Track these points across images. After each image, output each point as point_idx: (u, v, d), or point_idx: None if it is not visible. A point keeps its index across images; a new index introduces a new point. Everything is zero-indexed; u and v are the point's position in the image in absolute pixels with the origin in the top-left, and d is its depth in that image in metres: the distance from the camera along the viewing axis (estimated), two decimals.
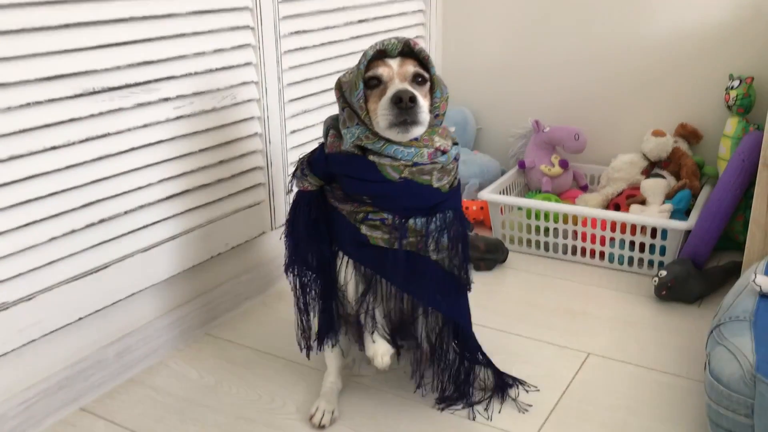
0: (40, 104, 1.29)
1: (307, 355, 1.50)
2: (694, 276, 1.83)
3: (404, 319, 1.42)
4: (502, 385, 1.48)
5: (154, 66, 1.48)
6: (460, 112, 2.55)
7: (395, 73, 1.27)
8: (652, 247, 1.98)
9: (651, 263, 1.99)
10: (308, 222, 1.37)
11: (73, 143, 1.36)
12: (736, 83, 2.05)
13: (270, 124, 1.79)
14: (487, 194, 2.16)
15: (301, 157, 1.41)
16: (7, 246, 1.28)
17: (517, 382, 1.51)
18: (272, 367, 1.61)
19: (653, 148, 2.19)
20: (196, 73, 1.57)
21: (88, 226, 1.41)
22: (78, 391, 1.47)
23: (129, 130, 1.46)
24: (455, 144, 1.35)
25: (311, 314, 1.46)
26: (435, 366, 1.42)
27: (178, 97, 1.54)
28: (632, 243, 2.00)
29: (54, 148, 1.33)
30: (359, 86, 1.26)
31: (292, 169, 1.67)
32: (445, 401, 1.45)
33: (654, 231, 1.96)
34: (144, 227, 1.53)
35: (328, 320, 1.43)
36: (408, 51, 1.30)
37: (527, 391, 1.50)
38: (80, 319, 1.43)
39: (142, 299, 1.58)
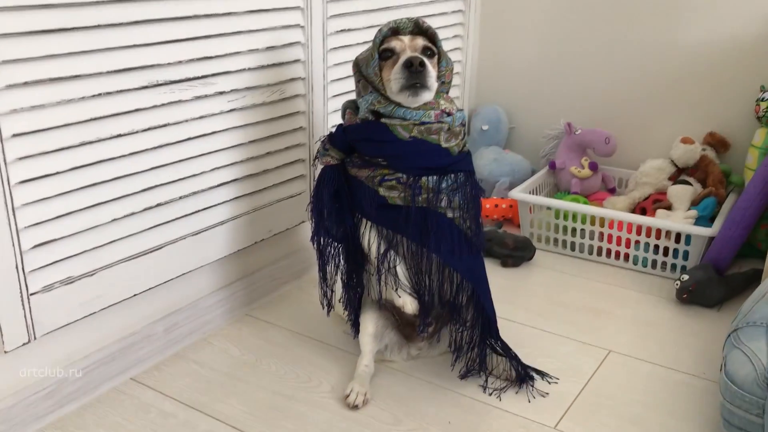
0: (110, 95, 1.39)
1: (327, 313, 1.66)
2: (715, 282, 1.89)
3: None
4: (524, 374, 1.57)
5: (212, 61, 1.58)
6: (494, 111, 2.62)
7: (407, 45, 1.44)
8: (676, 251, 2.04)
9: (674, 267, 2.06)
10: (331, 193, 1.51)
11: (137, 132, 1.46)
12: (766, 95, 2.10)
13: (314, 118, 1.88)
14: (517, 193, 2.24)
15: (321, 136, 1.57)
16: (75, 224, 1.39)
17: (539, 373, 1.60)
18: (308, 348, 1.71)
19: (681, 154, 2.25)
20: (249, 69, 1.67)
21: (146, 209, 1.52)
22: (129, 362, 1.58)
23: (186, 121, 1.55)
24: (460, 110, 1.49)
25: (333, 281, 1.61)
26: (452, 326, 1.54)
27: (232, 90, 1.64)
28: (656, 247, 2.07)
29: (120, 135, 1.43)
30: (375, 57, 1.43)
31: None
32: (464, 375, 1.57)
33: (678, 236, 2.03)
34: (196, 212, 1.63)
35: (354, 294, 1.60)
36: (418, 30, 1.47)
37: (549, 383, 1.59)
38: (135, 295, 1.54)
39: (189, 279, 1.68)
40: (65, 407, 1.46)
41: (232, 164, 1.69)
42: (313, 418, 1.47)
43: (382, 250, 1.48)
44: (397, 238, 1.47)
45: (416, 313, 1.51)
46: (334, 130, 1.56)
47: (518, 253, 2.13)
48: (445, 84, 1.48)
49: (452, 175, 1.45)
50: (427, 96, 1.43)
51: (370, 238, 1.50)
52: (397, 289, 1.48)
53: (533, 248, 2.16)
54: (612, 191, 2.46)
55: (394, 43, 1.44)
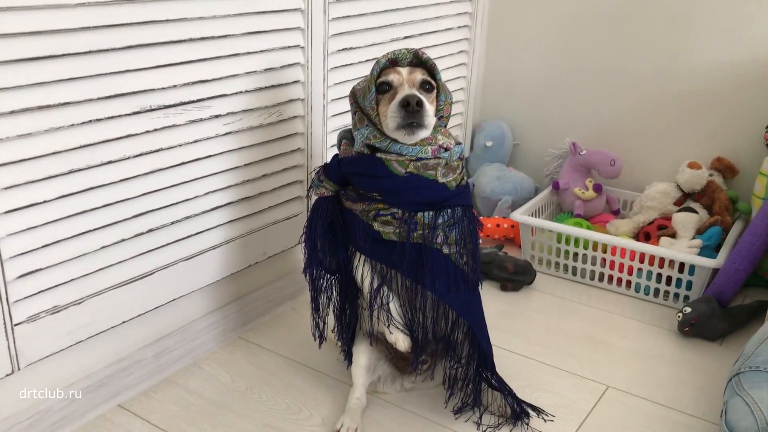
0: (101, 121, 1.36)
1: (319, 345, 1.63)
2: (718, 315, 1.85)
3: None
4: (520, 411, 1.54)
5: (208, 84, 1.54)
6: (498, 126, 2.58)
7: (405, 79, 1.40)
8: (679, 281, 2.00)
9: (677, 296, 2.02)
10: (325, 225, 1.48)
11: (128, 158, 1.43)
12: None
13: (312, 140, 1.84)
14: (519, 215, 2.20)
15: (316, 167, 1.54)
16: (63, 253, 1.36)
17: (535, 409, 1.56)
18: (301, 376, 1.68)
19: (688, 179, 2.21)
20: (246, 91, 1.63)
21: (137, 236, 1.49)
22: (117, 388, 1.55)
23: (180, 145, 1.52)
24: (458, 144, 1.45)
25: (326, 313, 1.58)
26: (446, 362, 1.52)
27: (228, 114, 1.60)
28: (659, 275, 2.03)
29: (110, 162, 1.40)
30: (372, 89, 1.39)
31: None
32: (457, 411, 1.53)
33: (682, 265, 1.99)
34: (189, 237, 1.60)
35: (347, 326, 1.57)
36: (417, 61, 1.43)
37: (544, 420, 1.55)
38: (124, 322, 1.51)
39: (181, 303, 1.65)
40: None
41: (226, 187, 1.65)
42: None
43: (375, 285, 1.44)
44: (391, 273, 1.44)
45: (408, 350, 1.47)
46: (329, 161, 1.52)
47: (518, 278, 2.10)
48: (443, 118, 1.45)
49: (449, 210, 1.41)
50: (424, 134, 1.38)
51: (364, 272, 1.47)
52: (389, 326, 1.45)
53: (534, 272, 2.12)
54: (616, 213, 2.42)
55: (392, 77, 1.40)
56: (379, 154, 1.40)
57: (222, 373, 1.68)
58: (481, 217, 2.41)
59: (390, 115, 1.36)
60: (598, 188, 2.35)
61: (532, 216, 2.26)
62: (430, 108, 1.37)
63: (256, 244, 1.78)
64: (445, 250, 1.41)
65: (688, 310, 1.85)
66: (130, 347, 1.58)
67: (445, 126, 1.46)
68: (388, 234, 1.40)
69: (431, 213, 1.39)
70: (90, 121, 1.34)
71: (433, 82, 1.42)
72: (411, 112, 1.33)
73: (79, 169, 1.35)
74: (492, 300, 2.02)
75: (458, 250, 1.42)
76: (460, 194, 1.44)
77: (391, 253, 1.41)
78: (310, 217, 1.52)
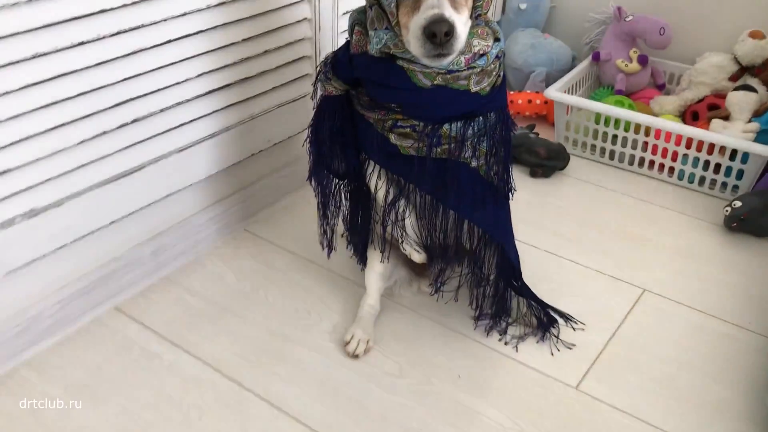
0: None
1: (328, 255, 1.47)
2: None
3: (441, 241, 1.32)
4: (547, 320, 1.41)
5: None
6: None
7: None
8: (729, 169, 1.80)
9: (724, 186, 1.83)
10: (332, 129, 1.27)
11: (104, 37, 1.22)
12: None
13: (321, 5, 1.61)
14: (553, 92, 1.98)
15: (325, 56, 1.27)
16: (34, 151, 1.20)
17: (563, 317, 1.44)
18: (310, 274, 1.55)
19: (748, 51, 1.95)
20: None
21: (120, 127, 1.31)
22: (113, 290, 1.44)
23: (165, 20, 1.31)
24: (497, 40, 1.16)
25: (335, 221, 1.41)
26: (472, 282, 1.36)
27: None
28: (707, 162, 1.83)
29: (83, 43, 1.20)
30: None
31: None
32: (481, 318, 1.41)
33: (734, 152, 1.78)
34: (181, 125, 1.42)
35: (359, 234, 1.41)
36: None
37: (573, 329, 1.43)
38: (113, 222, 1.37)
39: (177, 198, 1.50)
40: (42, 343, 1.34)
41: (222, 68, 1.45)
42: (310, 365, 1.34)
43: (390, 198, 1.26)
44: (410, 186, 1.24)
45: (424, 262, 1.34)
46: (339, 50, 1.26)
47: (550, 163, 1.91)
48: (481, 16, 1.14)
49: (480, 119, 1.18)
50: (454, 57, 1.09)
51: (378, 183, 1.28)
52: (403, 243, 1.30)
53: (567, 157, 1.93)
54: (661, 88, 2.18)
55: None
56: (400, 62, 1.13)
57: (226, 272, 1.56)
58: (512, 92, 2.18)
59: (413, 41, 1.05)
60: (643, 60, 2.10)
61: (568, 93, 2.03)
62: (462, 31, 1.06)
63: (259, 130, 1.60)
64: (473, 164, 1.21)
65: (738, 204, 1.67)
66: (124, 245, 1.45)
67: (483, 24, 1.15)
68: (407, 149, 1.20)
69: (459, 124, 1.17)
70: None
71: None
72: (438, 44, 1.03)
73: (46, 53, 1.15)
74: (519, 189, 1.81)
75: (488, 161, 1.21)
76: (495, 98, 1.20)
77: (409, 169, 1.21)
78: (315, 117, 1.31)
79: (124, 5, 1.23)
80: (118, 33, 1.24)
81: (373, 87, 1.19)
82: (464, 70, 1.12)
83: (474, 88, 1.15)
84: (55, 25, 1.15)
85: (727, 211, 1.69)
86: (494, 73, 1.17)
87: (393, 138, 1.19)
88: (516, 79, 2.28)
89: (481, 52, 1.13)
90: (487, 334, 1.41)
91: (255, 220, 1.71)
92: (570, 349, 1.38)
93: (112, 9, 1.22)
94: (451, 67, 1.11)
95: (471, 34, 1.12)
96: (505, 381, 1.32)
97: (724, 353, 1.39)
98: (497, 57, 1.17)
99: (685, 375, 1.34)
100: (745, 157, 1.76)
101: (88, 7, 1.18)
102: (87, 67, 1.22)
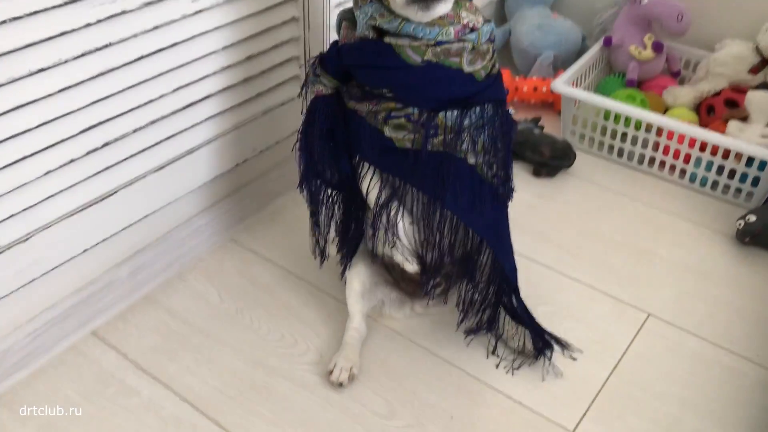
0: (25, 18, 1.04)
1: (320, 265, 1.42)
2: None
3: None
4: (542, 345, 1.34)
5: None
6: None
7: None
8: (744, 175, 1.70)
9: (738, 191, 1.73)
10: (323, 132, 1.22)
11: (66, 61, 1.12)
12: None
13: (310, 7, 1.48)
14: (561, 85, 1.86)
15: (313, 57, 1.23)
16: None
17: (560, 344, 1.37)
18: (298, 294, 1.48)
19: None
20: None
21: (90, 153, 1.22)
22: (88, 315, 1.37)
23: (135, 36, 1.19)
24: (487, 21, 1.15)
25: (327, 231, 1.36)
26: (463, 288, 1.32)
27: None
28: (721, 167, 1.73)
29: (42, 70, 1.09)
30: None
31: None
32: (469, 331, 1.36)
33: (750, 158, 1.68)
34: (156, 144, 1.32)
35: (350, 243, 1.36)
36: None
37: (574, 359, 1.36)
38: (85, 251, 1.29)
39: (158, 215, 1.42)
40: (13, 376, 1.28)
41: (201, 79, 1.34)
42: (295, 403, 1.28)
43: (382, 199, 1.20)
44: (404, 187, 1.19)
45: (417, 273, 1.28)
46: (327, 49, 1.21)
47: (555, 162, 1.81)
48: None
49: (477, 108, 1.13)
50: (443, 8, 1.08)
51: (370, 184, 1.22)
52: (393, 247, 1.24)
53: (573, 155, 1.83)
54: (676, 75, 2.05)
55: None
56: (387, 39, 1.11)
57: (209, 290, 1.48)
58: (517, 78, 2.06)
59: None
60: (658, 47, 1.96)
61: (576, 81, 1.91)
62: None
63: (245, 139, 1.50)
64: (471, 160, 1.16)
65: (753, 218, 1.58)
66: (100, 268, 1.37)
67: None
68: (402, 141, 1.14)
69: (455, 113, 1.12)
70: (6, 20, 1.02)
71: None
72: None
73: (2, 85, 1.05)
74: (521, 189, 1.71)
75: (486, 160, 1.17)
76: (492, 86, 1.16)
77: (404, 165, 1.16)
78: (304, 121, 1.25)
79: (88, 24, 1.12)
80: (82, 54, 1.13)
81: (363, 71, 1.16)
82: (454, 42, 1.10)
83: (467, 68, 1.12)
84: (13, 52, 1.05)
85: (740, 225, 1.60)
86: (488, 57, 1.14)
87: (387, 131, 1.14)
88: (522, 62, 2.15)
89: (471, 25, 1.12)
90: (467, 335, 1.36)
91: (242, 228, 1.62)
92: (561, 377, 1.32)
93: (75, 29, 1.11)
94: (440, 38, 1.09)
95: (459, 5, 1.12)
96: (498, 421, 1.26)
97: (731, 391, 1.32)
98: (489, 39, 1.14)
99: (688, 416, 1.28)
100: (763, 164, 1.66)
101: (47, 31, 1.07)
102: (47, 96, 1.12)
